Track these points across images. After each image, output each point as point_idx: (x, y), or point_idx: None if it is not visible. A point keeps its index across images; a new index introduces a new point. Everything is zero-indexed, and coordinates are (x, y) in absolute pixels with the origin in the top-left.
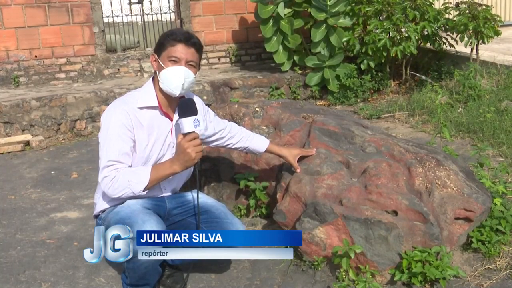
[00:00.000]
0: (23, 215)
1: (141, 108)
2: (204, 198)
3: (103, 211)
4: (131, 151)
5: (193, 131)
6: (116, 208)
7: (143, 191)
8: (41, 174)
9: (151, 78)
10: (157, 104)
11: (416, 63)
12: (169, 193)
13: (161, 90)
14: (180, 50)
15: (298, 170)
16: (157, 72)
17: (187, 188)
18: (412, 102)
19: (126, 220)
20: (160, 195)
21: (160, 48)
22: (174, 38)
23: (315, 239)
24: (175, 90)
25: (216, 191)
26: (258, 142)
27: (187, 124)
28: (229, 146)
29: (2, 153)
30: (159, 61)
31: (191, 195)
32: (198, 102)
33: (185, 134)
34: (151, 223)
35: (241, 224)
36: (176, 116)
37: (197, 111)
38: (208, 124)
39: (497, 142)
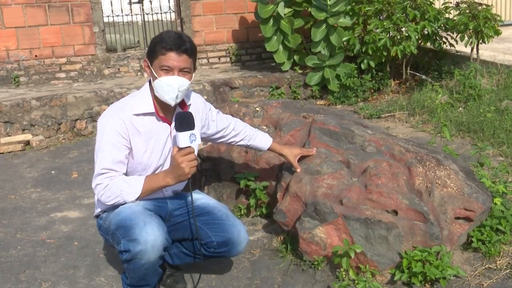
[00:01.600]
0: (23, 215)
1: (137, 115)
2: (206, 199)
3: (104, 211)
4: (126, 158)
5: (189, 146)
6: (117, 209)
7: (135, 200)
8: (41, 174)
9: (148, 82)
10: (153, 110)
11: (416, 63)
12: (171, 194)
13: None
14: (171, 59)
15: (298, 170)
16: (151, 78)
17: (189, 189)
18: (412, 101)
19: (127, 222)
20: (162, 196)
21: (151, 55)
22: (164, 46)
23: (315, 238)
24: (170, 101)
25: (216, 190)
26: (262, 140)
27: (183, 138)
28: (232, 143)
29: (2, 153)
30: (152, 69)
31: (193, 196)
32: (199, 100)
33: (180, 148)
34: (152, 225)
35: (242, 225)
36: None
37: (194, 125)
38: (210, 122)
39: (497, 141)
